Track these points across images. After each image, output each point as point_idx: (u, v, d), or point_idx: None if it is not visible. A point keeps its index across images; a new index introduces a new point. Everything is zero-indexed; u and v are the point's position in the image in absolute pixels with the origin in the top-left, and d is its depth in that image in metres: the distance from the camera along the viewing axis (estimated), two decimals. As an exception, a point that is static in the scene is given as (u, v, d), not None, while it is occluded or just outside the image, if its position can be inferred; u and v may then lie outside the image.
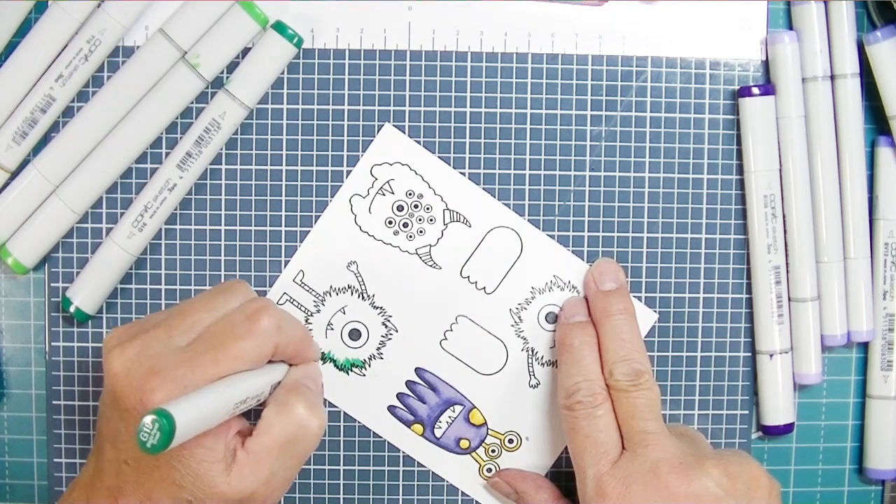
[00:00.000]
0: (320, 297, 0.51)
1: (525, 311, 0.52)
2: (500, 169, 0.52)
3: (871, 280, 0.52)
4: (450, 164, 0.51)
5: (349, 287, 0.51)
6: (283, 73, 0.50)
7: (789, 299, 0.52)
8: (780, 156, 0.51)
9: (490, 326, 0.52)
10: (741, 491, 0.44)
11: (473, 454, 0.52)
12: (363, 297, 0.51)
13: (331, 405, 0.52)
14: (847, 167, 0.51)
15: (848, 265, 0.52)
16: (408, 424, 0.52)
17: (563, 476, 0.53)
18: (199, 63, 0.49)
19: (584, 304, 0.51)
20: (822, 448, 0.54)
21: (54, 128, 0.50)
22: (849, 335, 0.52)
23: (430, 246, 0.51)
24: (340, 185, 0.51)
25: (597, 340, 0.49)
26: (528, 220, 0.52)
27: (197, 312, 0.43)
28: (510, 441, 0.52)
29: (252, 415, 0.45)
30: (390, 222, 0.51)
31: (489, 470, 0.53)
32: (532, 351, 0.52)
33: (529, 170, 0.52)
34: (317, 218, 0.51)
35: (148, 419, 0.36)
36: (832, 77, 0.51)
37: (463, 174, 0.51)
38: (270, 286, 0.51)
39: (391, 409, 0.52)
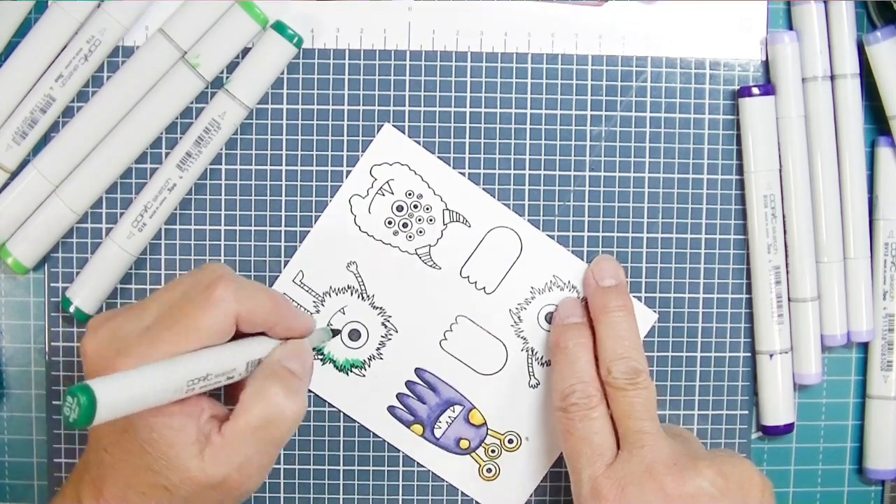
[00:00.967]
0: (320, 298, 0.51)
1: (525, 311, 0.52)
2: (500, 169, 0.52)
3: (871, 280, 0.52)
4: (450, 165, 0.51)
5: (349, 287, 0.51)
6: (283, 73, 0.50)
7: (789, 299, 0.52)
8: (780, 156, 0.51)
9: (490, 326, 0.52)
10: (735, 490, 0.44)
11: (473, 454, 0.52)
12: (363, 298, 0.51)
13: (330, 406, 0.52)
14: (847, 167, 0.51)
15: (848, 265, 0.52)
16: (407, 425, 0.52)
17: (563, 476, 0.53)
18: (199, 63, 0.49)
19: (580, 306, 0.50)
20: (821, 448, 0.54)
21: (54, 128, 0.50)
22: (849, 335, 0.52)
23: (430, 246, 0.51)
24: (340, 185, 0.51)
25: (592, 342, 0.48)
26: (528, 220, 0.52)
27: (169, 291, 0.43)
28: (510, 441, 0.52)
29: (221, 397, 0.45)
30: (390, 222, 0.51)
31: (489, 470, 0.53)
32: (532, 351, 0.52)
33: (529, 170, 0.52)
34: (317, 218, 0.51)
35: (70, 394, 0.35)
36: (832, 77, 0.51)
37: (463, 174, 0.51)
38: (270, 286, 0.51)
39: (391, 409, 0.52)
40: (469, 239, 0.51)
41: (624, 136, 0.52)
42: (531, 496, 0.53)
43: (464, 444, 0.52)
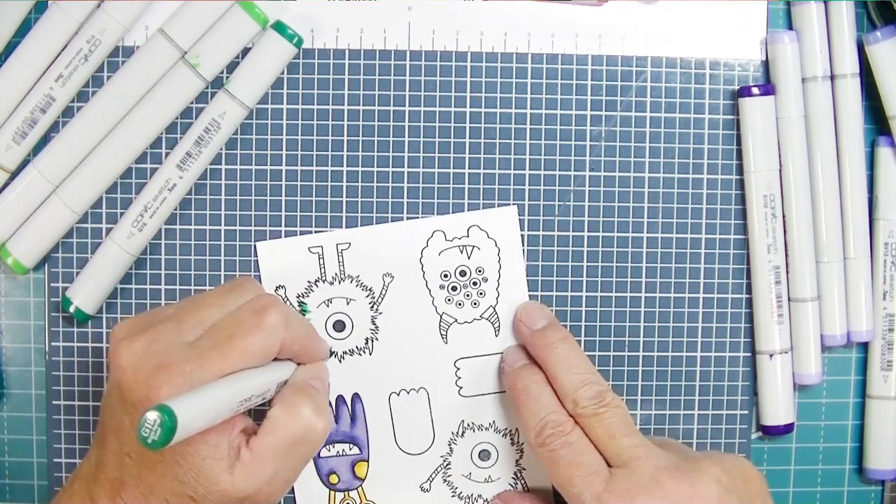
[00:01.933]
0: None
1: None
2: (500, 169, 0.52)
3: (870, 280, 0.52)
4: (449, 165, 0.51)
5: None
6: (283, 73, 0.50)
7: (789, 299, 0.52)
8: (779, 156, 0.51)
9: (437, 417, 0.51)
10: (739, 486, 0.45)
11: (332, 492, 0.52)
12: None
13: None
14: (847, 167, 0.51)
15: (848, 265, 0.52)
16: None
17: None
18: (199, 63, 0.49)
19: (522, 350, 0.50)
20: (821, 448, 0.54)
21: (54, 128, 0.50)
22: (849, 335, 0.52)
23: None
24: (340, 185, 0.51)
25: (545, 378, 0.48)
26: (528, 220, 0.52)
27: (206, 308, 0.43)
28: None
29: (253, 413, 0.45)
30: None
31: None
32: (446, 464, 0.52)
33: (529, 170, 0.52)
34: (317, 218, 0.51)
35: (150, 415, 0.36)
36: (832, 77, 0.51)
37: (462, 174, 0.51)
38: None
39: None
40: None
41: (624, 136, 0.52)
42: None
43: (333, 478, 0.52)
